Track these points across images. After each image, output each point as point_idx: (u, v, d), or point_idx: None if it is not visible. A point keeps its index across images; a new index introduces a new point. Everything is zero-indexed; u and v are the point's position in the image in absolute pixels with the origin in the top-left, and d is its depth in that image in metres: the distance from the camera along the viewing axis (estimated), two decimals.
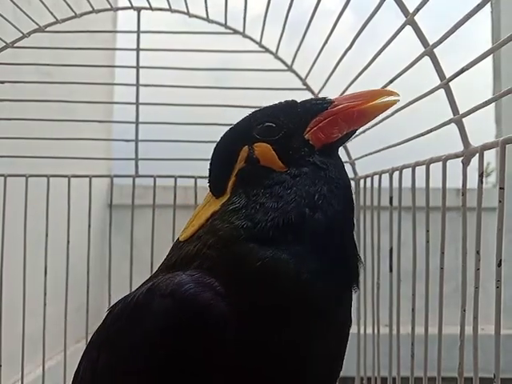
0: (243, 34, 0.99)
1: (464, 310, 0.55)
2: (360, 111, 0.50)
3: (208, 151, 0.59)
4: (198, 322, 0.40)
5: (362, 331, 0.91)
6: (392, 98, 0.51)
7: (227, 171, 0.52)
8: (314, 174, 0.48)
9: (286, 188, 0.47)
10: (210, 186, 0.55)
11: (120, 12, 1.05)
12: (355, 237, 0.92)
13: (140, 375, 0.42)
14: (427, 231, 0.64)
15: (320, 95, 0.98)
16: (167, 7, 0.99)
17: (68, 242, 0.98)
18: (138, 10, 1.00)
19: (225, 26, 0.99)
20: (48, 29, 0.98)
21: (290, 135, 0.51)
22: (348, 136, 0.53)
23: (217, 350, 0.40)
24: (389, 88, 0.68)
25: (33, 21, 0.96)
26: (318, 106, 0.51)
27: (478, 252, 0.51)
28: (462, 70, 0.51)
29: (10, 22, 0.93)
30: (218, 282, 0.42)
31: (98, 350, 0.47)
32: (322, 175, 0.48)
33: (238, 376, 0.41)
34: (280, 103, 0.53)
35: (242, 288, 0.42)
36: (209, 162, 0.57)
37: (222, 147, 0.55)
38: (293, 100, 0.53)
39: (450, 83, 0.53)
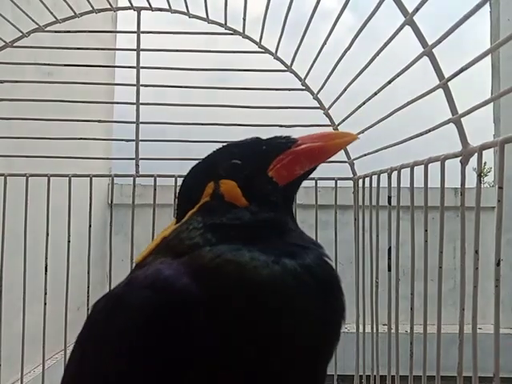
0: (243, 35, 1.00)
1: (463, 309, 0.55)
2: (321, 149, 0.53)
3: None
4: (179, 304, 0.41)
5: (360, 330, 0.92)
6: (350, 137, 0.54)
7: (192, 203, 0.54)
8: (273, 211, 0.51)
9: (243, 221, 0.49)
10: (177, 215, 0.57)
11: (120, 12, 1.05)
12: (354, 236, 0.92)
13: (125, 369, 0.42)
14: (425, 230, 0.64)
15: (319, 95, 0.99)
16: (167, 7, 1.00)
17: (69, 241, 0.98)
18: (138, 10, 1.00)
19: (225, 26, 1.00)
20: (48, 28, 0.98)
21: (254, 173, 0.53)
22: (309, 173, 0.55)
23: (196, 334, 0.40)
24: (386, 89, 0.69)
25: (33, 20, 0.96)
26: (283, 144, 0.54)
27: (476, 251, 0.51)
28: (461, 70, 0.51)
29: (9, 22, 0.93)
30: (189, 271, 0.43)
31: (83, 348, 0.47)
32: (281, 212, 0.52)
33: (217, 361, 0.41)
34: (246, 140, 0.56)
35: (204, 281, 0.42)
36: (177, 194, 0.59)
37: (190, 181, 0.57)
38: (257, 138, 0.56)
39: (449, 83, 0.54)
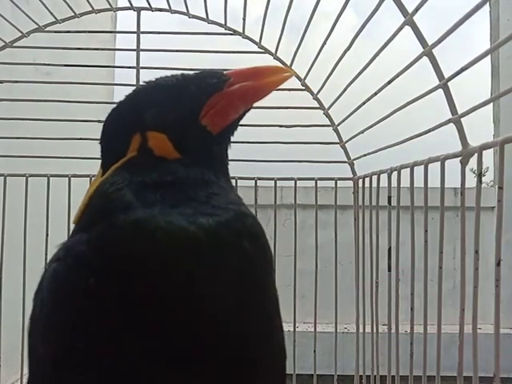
0: (243, 35, 1.00)
1: (463, 310, 0.55)
2: (256, 88, 0.48)
3: None
4: (75, 278, 0.39)
5: (360, 330, 0.92)
6: (286, 74, 0.49)
7: (115, 156, 0.48)
8: (207, 163, 0.47)
9: (175, 176, 0.45)
10: (101, 166, 0.51)
11: (120, 12, 1.05)
12: (354, 236, 0.92)
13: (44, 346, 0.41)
14: (425, 231, 0.64)
15: (319, 95, 0.98)
16: (167, 8, 1.00)
17: None
18: (138, 10, 1.00)
19: (225, 26, 1.00)
20: (48, 28, 0.98)
21: (185, 121, 0.48)
22: (244, 114, 0.50)
23: (96, 311, 0.38)
24: (386, 89, 0.69)
25: (32, 21, 0.96)
26: (214, 85, 0.48)
27: (476, 252, 0.51)
28: (461, 70, 0.51)
29: (8, 22, 0.93)
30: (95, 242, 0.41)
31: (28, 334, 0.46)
32: (216, 164, 0.48)
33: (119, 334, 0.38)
34: (171, 81, 0.50)
35: (111, 256, 0.40)
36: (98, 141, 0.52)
37: (111, 130, 0.51)
38: (183, 76, 0.50)
39: (449, 83, 0.54)
